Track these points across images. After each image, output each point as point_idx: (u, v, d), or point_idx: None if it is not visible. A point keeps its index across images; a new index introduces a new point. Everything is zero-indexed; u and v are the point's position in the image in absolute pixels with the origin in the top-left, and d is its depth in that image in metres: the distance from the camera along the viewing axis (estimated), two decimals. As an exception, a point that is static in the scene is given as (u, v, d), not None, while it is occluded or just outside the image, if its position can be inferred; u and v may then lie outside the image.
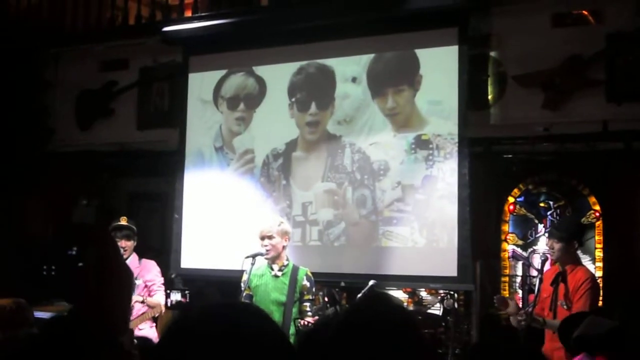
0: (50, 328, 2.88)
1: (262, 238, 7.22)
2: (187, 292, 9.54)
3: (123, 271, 6.06)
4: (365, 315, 2.47)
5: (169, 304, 8.21)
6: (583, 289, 6.92)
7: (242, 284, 7.28)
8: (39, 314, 5.85)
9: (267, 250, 7.20)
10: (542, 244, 9.78)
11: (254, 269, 7.30)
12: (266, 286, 7.20)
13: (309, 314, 7.07)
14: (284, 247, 7.27)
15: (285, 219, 8.07)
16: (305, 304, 7.12)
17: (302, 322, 6.83)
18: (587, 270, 7.38)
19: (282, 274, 7.19)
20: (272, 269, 7.24)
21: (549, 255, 7.50)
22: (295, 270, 7.22)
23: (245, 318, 1.86)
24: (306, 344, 3.22)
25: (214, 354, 1.76)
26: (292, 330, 6.95)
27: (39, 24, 11.82)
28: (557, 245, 7.15)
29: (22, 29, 11.67)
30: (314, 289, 7.28)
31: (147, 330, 8.25)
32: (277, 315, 7.00)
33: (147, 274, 8.11)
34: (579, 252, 7.65)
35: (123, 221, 8.18)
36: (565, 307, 6.90)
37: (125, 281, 5.96)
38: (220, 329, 1.80)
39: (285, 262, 7.27)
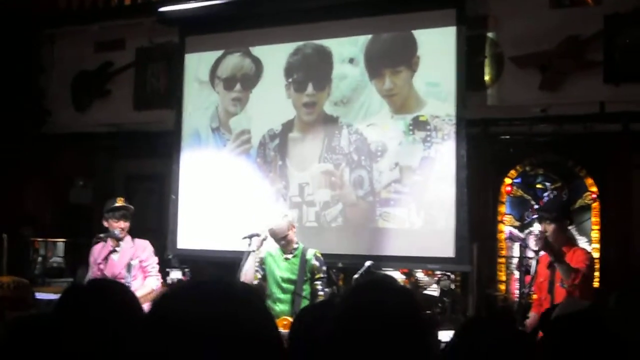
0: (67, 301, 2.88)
1: (277, 240, 7.51)
2: (186, 269, 9.56)
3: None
4: (365, 306, 2.47)
5: (169, 281, 8.20)
6: (582, 258, 6.95)
7: (258, 260, 7.68)
8: (39, 295, 5.85)
9: (284, 246, 7.52)
10: (539, 225, 9.80)
11: (271, 250, 7.68)
12: (278, 267, 7.52)
13: (320, 293, 7.38)
14: (294, 234, 7.60)
15: (282, 201, 8.17)
16: (316, 282, 7.42)
17: None
18: (585, 249, 7.41)
19: (293, 256, 7.51)
20: (283, 252, 7.54)
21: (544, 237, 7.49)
22: (305, 251, 7.51)
23: (240, 308, 1.84)
24: (305, 337, 3.21)
25: (199, 345, 1.75)
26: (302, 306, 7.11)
27: (35, 5, 11.76)
28: (550, 227, 7.15)
29: (17, 10, 11.61)
30: (324, 268, 7.52)
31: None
32: (288, 293, 7.40)
33: (142, 253, 8.06)
34: (574, 232, 7.67)
35: (120, 202, 8.13)
36: (564, 286, 6.89)
37: None
38: (212, 319, 1.78)
39: (295, 245, 7.57)
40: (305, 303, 7.20)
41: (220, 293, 1.85)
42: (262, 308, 1.90)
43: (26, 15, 11.59)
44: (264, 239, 7.70)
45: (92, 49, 11.63)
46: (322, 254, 7.67)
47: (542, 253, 7.37)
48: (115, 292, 2.93)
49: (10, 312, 4.75)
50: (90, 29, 11.52)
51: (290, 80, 9.60)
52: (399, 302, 2.49)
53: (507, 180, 10.30)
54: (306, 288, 7.40)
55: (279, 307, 7.26)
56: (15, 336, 3.22)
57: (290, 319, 6.91)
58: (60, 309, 2.83)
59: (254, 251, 7.56)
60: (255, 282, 7.48)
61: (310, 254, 7.47)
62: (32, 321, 3.26)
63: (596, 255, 9.42)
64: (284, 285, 7.43)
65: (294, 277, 7.40)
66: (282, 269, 7.48)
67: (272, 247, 7.68)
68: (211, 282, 1.89)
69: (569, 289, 6.85)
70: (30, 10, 11.69)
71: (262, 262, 7.63)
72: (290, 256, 7.49)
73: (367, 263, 7.70)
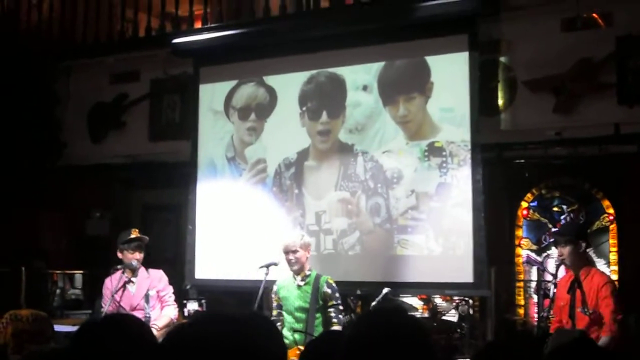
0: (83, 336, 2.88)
1: (287, 253, 7.51)
2: (203, 301, 9.56)
3: None
4: (372, 332, 2.49)
5: (185, 313, 8.22)
6: (606, 293, 6.90)
7: (272, 295, 7.70)
8: (58, 328, 5.86)
9: (292, 264, 7.48)
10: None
11: (282, 281, 7.65)
12: (292, 295, 7.48)
13: (334, 320, 7.32)
14: (307, 259, 7.57)
15: (299, 229, 8.24)
16: (329, 310, 7.37)
17: None
18: (603, 274, 7.38)
19: (305, 284, 7.47)
20: (295, 279, 7.51)
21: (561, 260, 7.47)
22: (317, 279, 7.47)
23: (250, 337, 1.86)
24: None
25: None
26: (316, 334, 7.08)
27: (50, 38, 11.87)
28: (565, 250, 7.15)
29: (33, 43, 11.72)
30: (337, 295, 7.45)
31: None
32: (302, 322, 7.35)
33: (158, 283, 8.06)
34: (592, 255, 7.65)
35: (134, 233, 8.13)
36: (586, 312, 6.86)
37: None
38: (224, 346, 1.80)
39: (308, 272, 7.54)
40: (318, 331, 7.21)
41: (230, 320, 1.88)
42: (270, 334, 1.92)
43: (42, 47, 11.69)
44: (273, 266, 7.79)
45: (108, 81, 11.70)
46: (340, 282, 7.67)
47: (560, 276, 7.37)
48: (131, 325, 2.94)
49: (29, 345, 4.76)
50: (106, 61, 11.60)
51: (304, 108, 9.63)
52: (408, 327, 2.51)
53: (524, 204, 10.30)
54: (319, 316, 7.38)
55: (294, 337, 7.22)
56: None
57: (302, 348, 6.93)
58: (77, 344, 2.84)
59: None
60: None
61: (322, 281, 7.44)
62: (49, 356, 3.27)
63: (614, 277, 9.39)
64: (297, 314, 7.40)
65: (306, 305, 7.37)
66: (295, 297, 7.46)
67: (281, 277, 7.71)
68: (222, 311, 1.92)
69: (592, 317, 6.85)
70: (46, 42, 11.80)
71: (277, 297, 7.62)
72: (302, 283, 7.46)
73: (385, 290, 7.70)
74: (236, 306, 9.89)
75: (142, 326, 3.04)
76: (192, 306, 9.17)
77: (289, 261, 7.49)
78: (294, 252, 7.44)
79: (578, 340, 3.71)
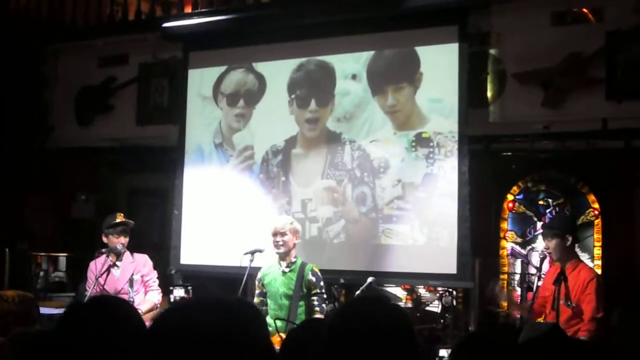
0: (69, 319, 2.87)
1: (275, 234, 7.51)
2: (189, 287, 9.56)
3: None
4: (354, 321, 2.50)
5: (172, 300, 8.23)
6: (590, 289, 6.91)
7: (256, 282, 7.73)
8: (41, 310, 5.85)
9: (279, 246, 7.48)
10: (541, 242, 9.77)
11: (267, 267, 7.68)
12: (276, 281, 7.50)
13: (317, 309, 7.33)
14: (294, 245, 7.57)
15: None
16: (313, 298, 7.37)
17: None
18: (591, 269, 7.39)
19: (290, 270, 7.48)
20: (280, 265, 7.53)
21: (547, 254, 7.49)
22: (302, 266, 7.48)
23: (235, 323, 1.87)
24: (295, 354, 3.24)
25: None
26: (298, 322, 7.08)
27: (39, 20, 11.81)
28: (551, 244, 7.15)
29: (21, 25, 11.66)
30: (321, 283, 7.46)
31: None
32: (285, 309, 7.37)
33: (143, 268, 8.05)
34: (577, 250, 7.66)
35: (120, 218, 8.11)
36: (569, 306, 6.89)
37: None
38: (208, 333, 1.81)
39: (294, 259, 7.55)
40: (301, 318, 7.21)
41: (216, 306, 1.88)
42: (255, 320, 1.92)
43: (31, 29, 11.63)
44: (258, 252, 7.79)
45: (96, 64, 11.66)
46: (324, 270, 7.67)
47: (544, 270, 7.39)
48: (118, 308, 2.93)
49: (15, 327, 4.74)
50: (94, 44, 11.56)
51: (293, 96, 9.62)
52: (391, 317, 2.53)
53: (509, 197, 10.31)
54: (302, 304, 7.38)
55: (276, 324, 7.15)
56: (20, 355, 3.23)
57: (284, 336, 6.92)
58: (63, 327, 2.84)
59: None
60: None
61: (307, 269, 7.44)
62: (35, 338, 3.26)
63: (598, 272, 9.42)
64: (281, 301, 7.42)
65: (290, 292, 7.38)
66: (280, 283, 7.47)
67: (266, 264, 7.74)
68: (208, 297, 1.93)
69: (574, 310, 6.87)
70: (35, 24, 11.74)
71: (260, 284, 7.64)
72: (287, 270, 7.46)
73: (369, 279, 7.70)
74: (220, 292, 9.88)
75: (129, 308, 3.03)
76: (178, 293, 9.17)
77: (275, 243, 7.48)
78: (282, 234, 7.44)
79: (551, 331, 3.74)
